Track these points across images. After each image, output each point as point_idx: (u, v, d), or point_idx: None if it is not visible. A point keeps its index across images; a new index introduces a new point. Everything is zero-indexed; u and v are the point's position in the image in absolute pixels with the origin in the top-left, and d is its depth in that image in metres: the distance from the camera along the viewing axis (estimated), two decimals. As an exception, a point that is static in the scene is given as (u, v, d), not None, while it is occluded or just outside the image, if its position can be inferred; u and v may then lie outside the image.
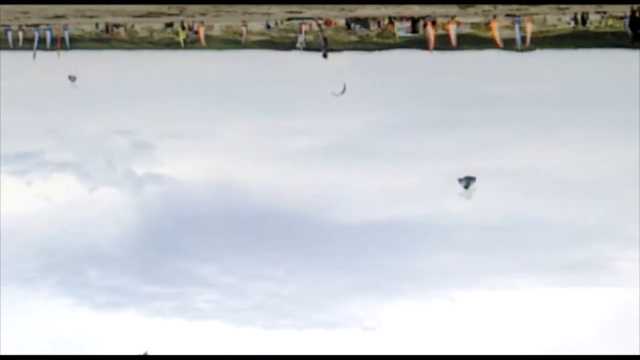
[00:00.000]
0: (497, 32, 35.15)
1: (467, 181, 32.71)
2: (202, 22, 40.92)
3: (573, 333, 35.33)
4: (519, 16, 35.40)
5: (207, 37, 43.08)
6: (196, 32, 42.91)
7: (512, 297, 37.30)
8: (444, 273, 38.26)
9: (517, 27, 34.81)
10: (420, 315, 37.74)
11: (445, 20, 37.59)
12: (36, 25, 42.45)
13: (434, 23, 37.21)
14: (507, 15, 36.86)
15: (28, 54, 43.81)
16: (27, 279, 43.19)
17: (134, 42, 45.31)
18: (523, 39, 36.04)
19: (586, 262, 36.91)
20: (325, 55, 36.26)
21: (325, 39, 36.95)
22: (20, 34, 43.95)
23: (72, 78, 42.15)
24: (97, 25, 45.02)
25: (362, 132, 43.28)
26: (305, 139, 44.00)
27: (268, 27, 42.42)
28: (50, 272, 43.36)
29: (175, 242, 43.14)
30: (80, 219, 44.44)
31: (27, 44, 44.31)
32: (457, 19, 37.47)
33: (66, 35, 42.14)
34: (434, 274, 38.37)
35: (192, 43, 43.39)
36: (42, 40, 43.20)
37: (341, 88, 36.52)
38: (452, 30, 36.12)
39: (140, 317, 41.14)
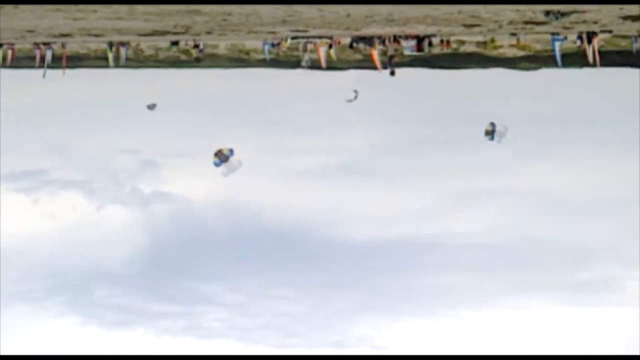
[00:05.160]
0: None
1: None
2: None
3: (581, 352, 35.40)
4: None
5: (212, 55, 43.10)
6: (201, 50, 42.90)
7: (521, 317, 37.42)
8: (452, 292, 38.38)
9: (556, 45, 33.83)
10: (430, 334, 37.84)
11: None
12: (46, 44, 42.29)
13: (446, 42, 37.13)
14: (512, 34, 36.86)
15: (34, 72, 43.69)
16: (35, 297, 43.27)
17: (140, 61, 45.26)
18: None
19: (593, 282, 37.04)
20: (392, 73, 35.68)
21: (392, 57, 36.33)
22: (10, 52, 43.64)
23: (151, 106, 40.29)
24: (102, 43, 44.93)
25: (369, 150, 43.40)
26: (312, 157, 44.07)
27: (273, 45, 42.35)
28: (58, 291, 43.45)
29: (183, 261, 43.25)
30: (87, 238, 44.54)
31: (33, 62, 44.16)
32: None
33: (123, 52, 41.55)
34: (443, 293, 38.49)
35: (197, 61, 43.42)
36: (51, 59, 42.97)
37: (353, 95, 36.32)
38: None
39: (149, 336, 41.27)
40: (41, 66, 41.86)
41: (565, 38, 32.63)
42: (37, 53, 41.84)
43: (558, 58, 33.37)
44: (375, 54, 36.09)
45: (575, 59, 33.74)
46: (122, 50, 40.80)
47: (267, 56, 40.51)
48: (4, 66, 43.11)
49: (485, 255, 38.83)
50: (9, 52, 42.00)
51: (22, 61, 44.80)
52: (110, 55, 40.77)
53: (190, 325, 41.22)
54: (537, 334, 36.84)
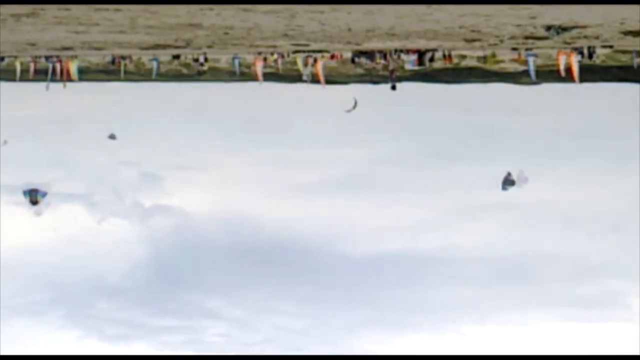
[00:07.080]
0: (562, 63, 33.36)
1: None
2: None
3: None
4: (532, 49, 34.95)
5: (213, 69, 43.16)
6: (202, 64, 43.00)
7: (524, 332, 37.19)
8: (455, 307, 38.20)
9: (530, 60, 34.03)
10: (433, 350, 37.55)
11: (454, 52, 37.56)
12: (48, 57, 42.37)
13: (448, 57, 37.16)
14: (513, 49, 36.89)
15: (36, 85, 43.74)
16: (36, 311, 43.11)
17: (141, 74, 45.31)
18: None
19: (597, 298, 36.87)
20: (393, 87, 35.58)
21: (393, 71, 36.21)
22: (32, 65, 43.80)
23: (112, 137, 41.49)
24: (104, 57, 45.01)
25: (369, 164, 43.37)
26: (312, 170, 44.06)
27: (265, 59, 42.31)
28: (58, 304, 43.33)
29: (184, 274, 43.16)
30: (88, 251, 44.49)
31: (35, 75, 44.19)
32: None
33: (154, 65, 41.57)
34: (445, 308, 38.30)
35: (199, 75, 43.51)
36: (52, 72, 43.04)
37: (352, 104, 36.25)
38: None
39: (150, 350, 41.07)
40: (54, 79, 42.04)
41: (569, 51, 32.56)
42: (51, 66, 42.04)
43: (532, 73, 33.62)
44: (319, 67, 36.12)
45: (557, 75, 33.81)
46: (154, 64, 41.07)
47: (237, 70, 40.40)
48: (23, 79, 43.24)
49: (487, 270, 38.73)
50: (31, 66, 42.19)
51: (24, 74, 44.91)
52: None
53: (191, 339, 41.04)
54: (539, 350, 36.62)
